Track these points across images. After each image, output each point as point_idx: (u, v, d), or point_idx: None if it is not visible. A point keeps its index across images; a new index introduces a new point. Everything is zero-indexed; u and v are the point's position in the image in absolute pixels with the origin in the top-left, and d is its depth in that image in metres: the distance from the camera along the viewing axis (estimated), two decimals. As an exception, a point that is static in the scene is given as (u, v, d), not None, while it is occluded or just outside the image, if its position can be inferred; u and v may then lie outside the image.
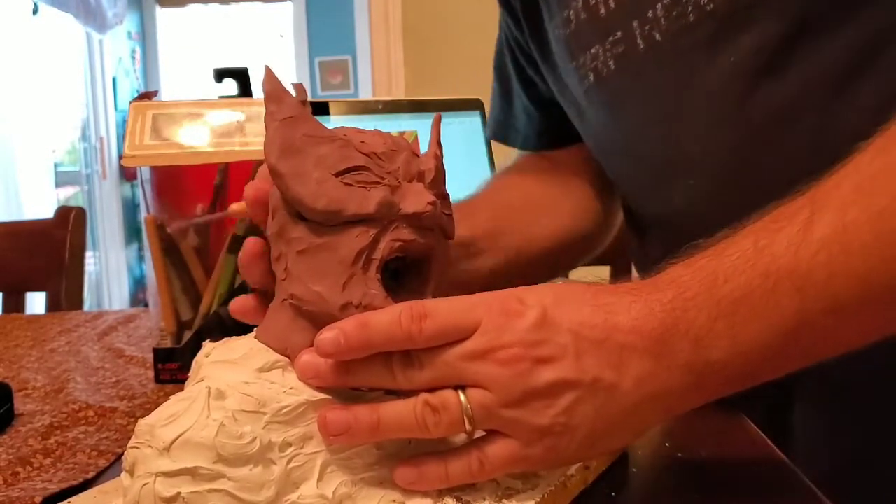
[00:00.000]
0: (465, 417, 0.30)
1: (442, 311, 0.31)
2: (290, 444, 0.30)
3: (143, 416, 0.30)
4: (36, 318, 0.85)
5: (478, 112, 0.79)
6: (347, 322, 0.31)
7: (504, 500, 0.32)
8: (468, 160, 0.76)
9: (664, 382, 0.31)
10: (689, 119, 0.45)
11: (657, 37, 0.44)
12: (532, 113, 0.62)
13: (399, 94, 1.92)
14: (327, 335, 0.31)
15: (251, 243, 0.36)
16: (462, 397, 0.30)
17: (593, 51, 0.49)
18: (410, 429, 0.31)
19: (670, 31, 0.44)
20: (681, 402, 0.33)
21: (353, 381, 0.32)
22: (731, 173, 0.45)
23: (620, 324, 0.31)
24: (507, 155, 0.67)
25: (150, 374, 0.59)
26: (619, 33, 0.47)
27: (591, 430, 0.31)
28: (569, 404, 0.30)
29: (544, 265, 0.57)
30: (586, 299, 0.32)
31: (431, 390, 0.31)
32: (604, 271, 1.05)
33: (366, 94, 3.43)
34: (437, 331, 0.31)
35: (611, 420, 0.31)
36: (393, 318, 0.31)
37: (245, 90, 0.60)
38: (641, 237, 0.57)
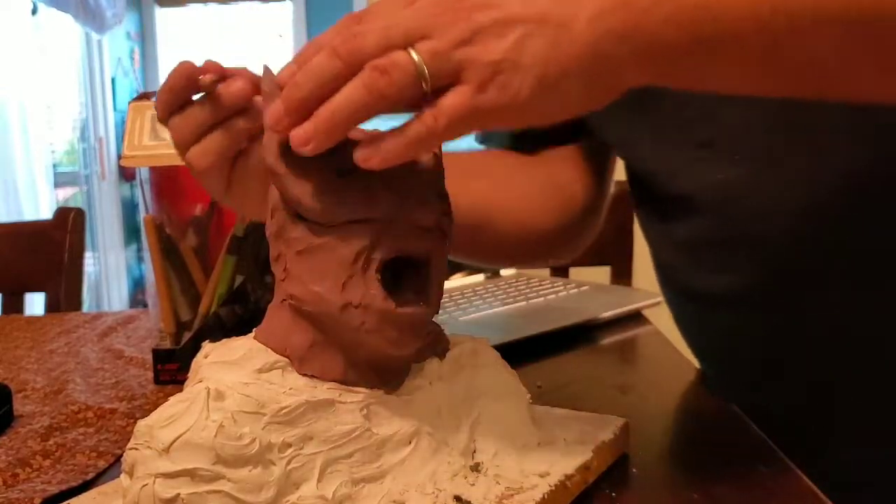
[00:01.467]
0: (417, 70, 0.29)
1: (376, 5, 0.31)
2: (289, 445, 0.30)
3: (142, 417, 0.30)
4: (35, 319, 0.85)
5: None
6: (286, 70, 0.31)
7: (504, 500, 0.32)
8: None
9: (619, 22, 0.29)
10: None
11: None
12: None
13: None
14: (277, 107, 0.30)
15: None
16: (411, 52, 0.29)
17: None
18: (363, 101, 0.29)
19: None
20: (635, 54, 0.30)
21: (307, 89, 0.30)
22: (773, 147, 0.44)
23: None
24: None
25: (150, 375, 0.59)
26: None
27: (543, 70, 0.29)
28: (518, 38, 0.29)
29: (501, 247, 0.55)
30: None
31: None
32: (604, 271, 1.05)
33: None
34: (376, 15, 0.30)
35: (564, 61, 0.29)
36: (333, 30, 0.31)
37: (244, 90, 0.60)
38: (665, 219, 0.54)
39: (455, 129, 0.30)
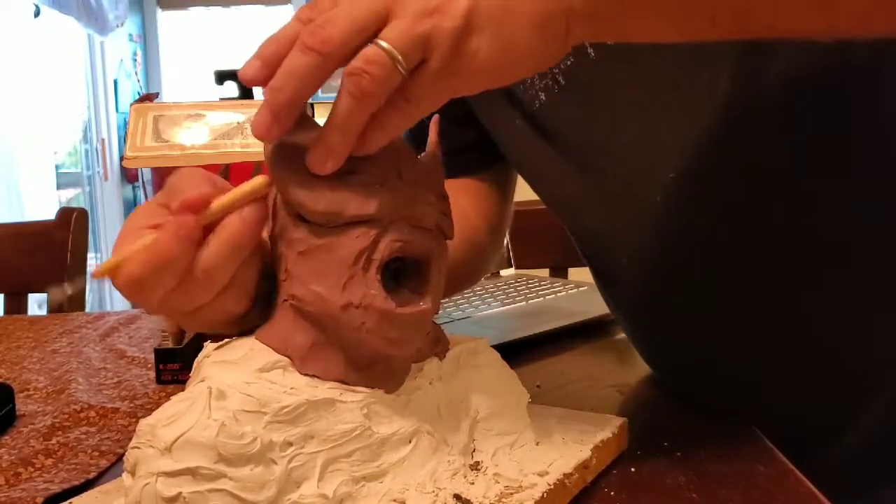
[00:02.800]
0: (391, 58, 0.29)
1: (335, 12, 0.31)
2: (290, 444, 0.30)
3: (144, 416, 0.30)
4: (38, 319, 0.85)
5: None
6: (261, 47, 0.31)
7: (503, 499, 0.32)
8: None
9: None
10: (662, 111, 0.46)
11: (610, 42, 0.44)
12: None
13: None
14: (246, 65, 0.31)
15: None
16: (379, 42, 0.29)
17: (542, 83, 0.50)
18: (358, 107, 0.30)
19: None
20: (580, 10, 0.31)
21: (290, 91, 0.30)
22: (710, 162, 0.45)
23: None
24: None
25: (152, 374, 0.59)
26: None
27: (500, 29, 0.30)
28: (472, 2, 0.30)
29: None
30: None
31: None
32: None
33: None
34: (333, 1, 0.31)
35: (518, 17, 0.31)
36: (295, 18, 0.31)
37: (246, 92, 0.61)
38: (610, 286, 0.55)
39: (428, 107, 0.31)
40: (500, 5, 0.30)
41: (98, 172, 3.45)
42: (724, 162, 0.44)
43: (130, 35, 3.86)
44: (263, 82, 0.31)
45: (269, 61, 0.31)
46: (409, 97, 0.30)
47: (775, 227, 0.45)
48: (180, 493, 0.28)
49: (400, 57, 0.29)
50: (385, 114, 0.31)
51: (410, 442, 0.33)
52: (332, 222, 0.32)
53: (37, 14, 2.85)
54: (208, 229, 0.31)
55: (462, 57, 0.30)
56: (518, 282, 0.86)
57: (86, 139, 3.43)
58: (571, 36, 0.32)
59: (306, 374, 0.33)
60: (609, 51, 0.46)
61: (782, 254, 0.45)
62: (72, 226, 1.05)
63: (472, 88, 0.32)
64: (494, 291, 0.81)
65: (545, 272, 1.04)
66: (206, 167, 0.56)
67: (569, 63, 0.48)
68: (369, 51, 0.29)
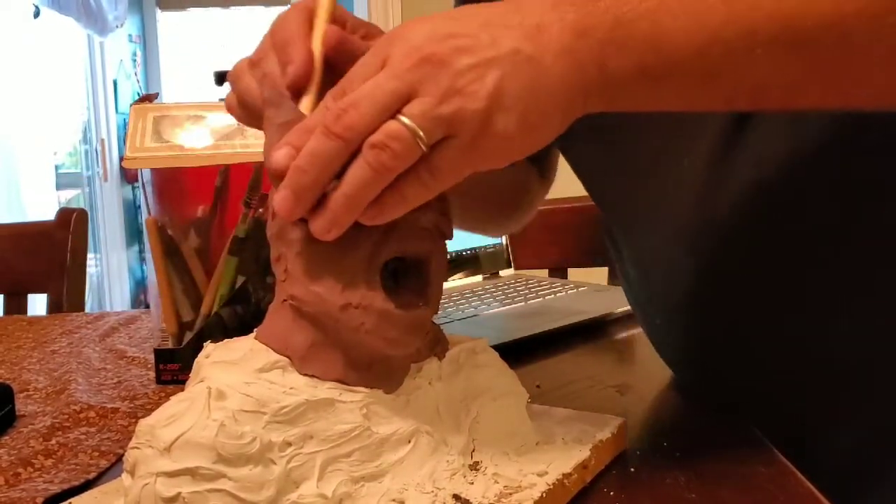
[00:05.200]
0: (413, 135, 0.29)
1: (354, 67, 0.31)
2: (290, 444, 0.31)
3: (144, 416, 0.30)
4: (37, 319, 0.85)
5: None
6: (289, 135, 0.31)
7: (503, 499, 0.32)
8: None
9: (582, 56, 0.31)
10: None
11: None
12: None
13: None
14: (277, 153, 0.31)
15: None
16: (401, 118, 0.30)
17: None
18: (374, 180, 0.30)
19: None
20: (597, 85, 0.32)
21: (313, 174, 0.31)
22: (723, 151, 0.45)
23: (533, 8, 0.31)
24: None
25: (152, 374, 0.59)
26: None
27: (525, 108, 0.30)
28: (497, 81, 0.30)
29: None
30: (492, 4, 0.32)
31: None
32: (602, 272, 1.06)
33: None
34: (351, 81, 0.31)
35: (543, 96, 0.31)
36: (321, 107, 0.31)
37: (245, 92, 0.61)
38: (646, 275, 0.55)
39: (451, 181, 0.31)
40: (524, 86, 0.30)
41: (98, 173, 3.45)
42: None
43: (130, 36, 3.86)
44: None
45: (295, 146, 0.31)
46: (433, 170, 0.30)
47: (829, 216, 0.44)
48: (179, 493, 0.28)
49: (422, 134, 0.29)
50: (407, 184, 0.31)
51: (410, 442, 0.33)
52: (332, 222, 0.32)
53: (36, 15, 2.85)
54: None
55: (487, 136, 0.30)
56: (518, 282, 0.86)
57: (85, 140, 3.43)
58: (587, 108, 0.33)
59: (305, 375, 0.33)
60: None
61: (836, 249, 0.44)
62: (71, 226, 1.05)
63: (496, 164, 0.32)
64: (494, 291, 0.82)
65: (545, 272, 1.04)
66: (206, 168, 0.56)
67: None
68: (392, 126, 0.30)
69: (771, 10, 0.31)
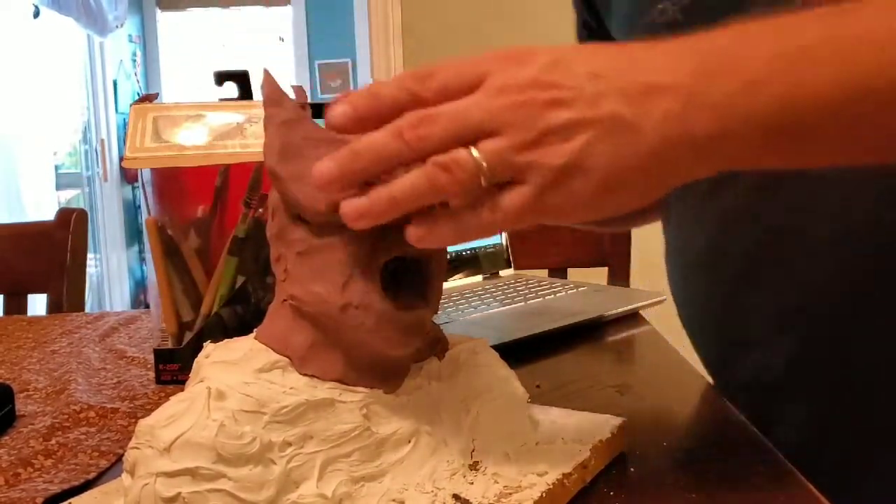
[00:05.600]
0: (478, 169, 0.29)
1: (447, 67, 0.30)
2: (289, 444, 0.31)
3: (144, 416, 0.30)
4: (37, 319, 0.85)
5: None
6: (355, 94, 0.30)
7: (502, 499, 0.32)
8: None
9: (691, 126, 0.28)
10: None
11: None
12: None
13: (399, 96, 1.91)
14: (336, 108, 0.30)
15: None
16: (473, 151, 0.29)
17: (661, 6, 0.48)
18: (425, 192, 0.29)
19: None
20: (705, 155, 0.29)
21: (365, 163, 0.30)
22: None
23: (648, 64, 0.29)
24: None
25: (151, 374, 0.59)
26: None
27: (606, 175, 0.29)
28: (584, 144, 0.28)
29: None
30: (608, 48, 0.30)
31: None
32: (602, 272, 1.06)
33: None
34: (443, 84, 0.29)
35: (628, 164, 0.29)
36: (398, 83, 0.30)
37: (245, 93, 0.61)
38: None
39: (510, 225, 0.30)
40: (613, 149, 0.28)
41: (97, 173, 3.45)
42: None
43: (130, 36, 3.86)
44: (349, 131, 0.31)
45: (362, 115, 0.30)
46: (495, 209, 0.30)
47: None
48: (179, 493, 0.28)
49: (488, 171, 0.29)
50: (466, 215, 0.30)
51: (409, 442, 0.33)
52: (332, 222, 0.32)
53: (36, 15, 2.85)
54: None
55: (557, 193, 0.29)
56: (517, 282, 0.86)
57: (85, 140, 3.43)
58: (692, 175, 0.30)
59: (305, 375, 0.33)
60: None
61: None
62: (71, 226, 1.05)
63: (565, 220, 0.31)
64: (494, 292, 0.82)
65: (545, 272, 1.04)
66: (206, 168, 0.56)
67: (687, 1, 0.45)
68: (462, 154, 0.29)
69: None
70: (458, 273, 0.88)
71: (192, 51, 4.09)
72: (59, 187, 3.10)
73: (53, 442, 0.46)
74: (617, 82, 0.29)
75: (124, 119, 3.51)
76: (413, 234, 0.31)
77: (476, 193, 0.30)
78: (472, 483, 0.33)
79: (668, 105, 0.28)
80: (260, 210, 0.56)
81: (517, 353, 0.60)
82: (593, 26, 0.62)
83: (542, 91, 0.29)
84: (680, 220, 0.56)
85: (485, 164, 0.29)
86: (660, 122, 0.28)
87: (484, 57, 0.30)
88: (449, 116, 0.29)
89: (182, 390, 0.32)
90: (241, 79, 0.60)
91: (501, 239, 0.92)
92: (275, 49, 4.03)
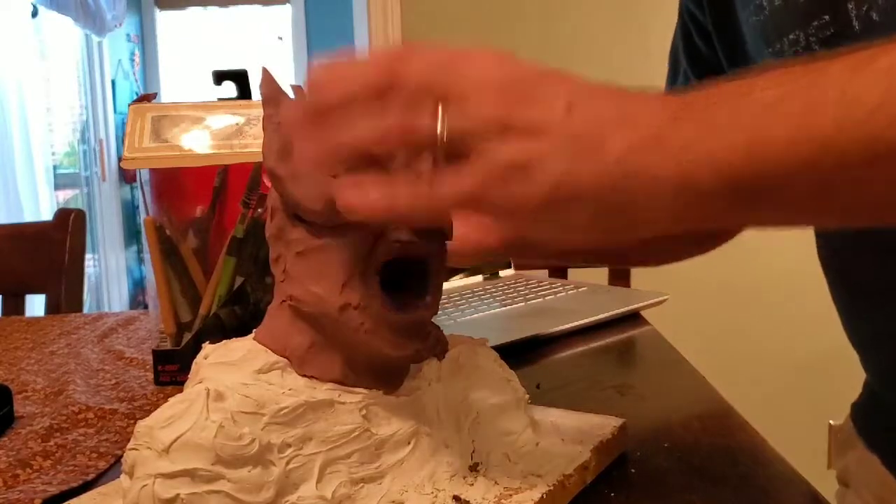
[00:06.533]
0: (439, 125, 0.28)
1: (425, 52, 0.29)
2: (289, 445, 0.30)
3: (142, 417, 0.30)
4: (35, 320, 0.85)
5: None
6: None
7: (503, 500, 0.32)
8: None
9: (653, 166, 0.27)
10: None
11: (875, 17, 0.40)
12: None
13: (398, 96, 1.91)
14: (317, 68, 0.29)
15: None
16: (440, 108, 0.28)
17: (792, 36, 0.46)
18: (381, 132, 0.28)
19: (889, 9, 0.40)
20: (665, 201, 0.28)
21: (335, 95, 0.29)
22: None
23: (633, 96, 0.29)
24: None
25: (150, 375, 0.59)
26: (825, 17, 0.44)
27: (551, 195, 0.28)
28: (539, 153, 0.28)
29: None
30: (608, 88, 0.30)
31: None
32: (602, 272, 1.06)
33: (365, 95, 3.43)
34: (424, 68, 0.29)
35: (576, 187, 0.28)
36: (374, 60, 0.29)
37: (244, 93, 0.60)
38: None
39: (445, 206, 0.29)
40: (565, 167, 0.28)
41: (96, 173, 3.45)
42: None
43: (128, 35, 3.86)
44: (324, 87, 0.30)
45: (337, 73, 0.29)
46: (434, 186, 0.28)
47: None
48: (178, 494, 0.28)
49: (444, 133, 0.28)
50: (401, 184, 0.29)
51: (409, 443, 0.33)
52: (331, 222, 0.32)
53: (34, 14, 2.85)
54: None
55: (501, 193, 0.28)
56: (518, 282, 0.86)
57: (83, 140, 3.43)
58: (648, 223, 0.29)
59: (305, 376, 0.33)
60: (878, 25, 0.40)
61: None
62: (70, 227, 1.05)
63: (513, 234, 0.29)
64: (494, 292, 0.81)
65: (545, 272, 1.04)
66: (205, 168, 0.56)
67: (829, 33, 0.44)
68: (429, 107, 0.28)
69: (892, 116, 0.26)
70: (458, 273, 0.88)
71: (191, 50, 4.09)
72: (57, 187, 3.10)
73: (52, 443, 0.46)
74: (597, 102, 0.29)
75: (123, 119, 3.51)
76: (344, 200, 0.29)
77: (423, 159, 0.29)
78: (472, 484, 0.33)
79: (636, 135, 0.28)
80: (258, 210, 0.56)
81: (517, 353, 0.60)
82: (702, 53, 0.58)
83: (524, 92, 0.29)
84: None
85: (448, 121, 0.28)
86: (623, 151, 0.28)
87: (488, 50, 0.30)
88: (432, 63, 0.29)
89: (181, 391, 0.32)
90: (240, 78, 0.60)
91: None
92: (274, 48, 4.04)
